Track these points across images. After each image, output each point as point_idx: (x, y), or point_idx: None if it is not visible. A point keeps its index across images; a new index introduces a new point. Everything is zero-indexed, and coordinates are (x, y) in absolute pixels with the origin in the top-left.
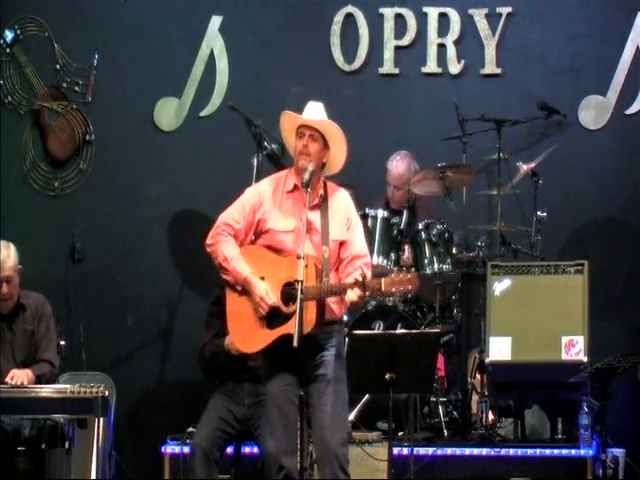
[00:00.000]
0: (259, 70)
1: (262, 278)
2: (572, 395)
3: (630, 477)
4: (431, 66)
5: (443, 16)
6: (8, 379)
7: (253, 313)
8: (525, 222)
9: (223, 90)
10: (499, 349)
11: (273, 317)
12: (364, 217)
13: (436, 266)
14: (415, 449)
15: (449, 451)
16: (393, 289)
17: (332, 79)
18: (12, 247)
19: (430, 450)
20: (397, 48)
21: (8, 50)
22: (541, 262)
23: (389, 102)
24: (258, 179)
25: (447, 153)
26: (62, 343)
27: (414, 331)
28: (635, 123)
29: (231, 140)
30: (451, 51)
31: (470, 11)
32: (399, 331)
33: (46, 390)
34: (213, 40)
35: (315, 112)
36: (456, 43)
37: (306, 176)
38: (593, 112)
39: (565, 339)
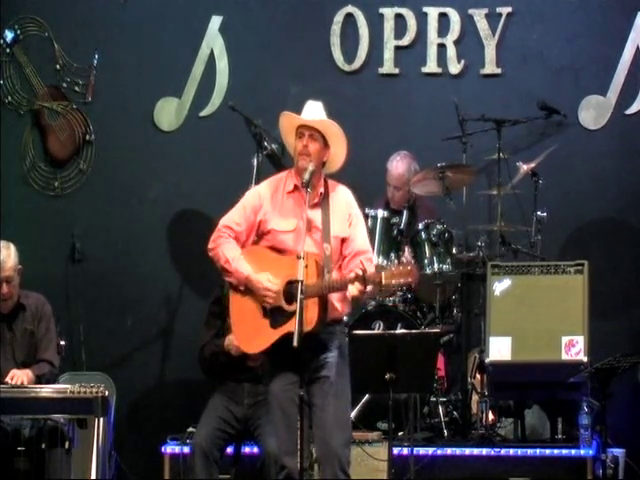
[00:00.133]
0: (259, 70)
1: None
2: (572, 395)
3: (630, 477)
4: (431, 66)
5: (443, 16)
6: (8, 379)
7: (256, 313)
8: (525, 222)
9: (223, 90)
10: (499, 349)
11: (276, 316)
12: (364, 217)
13: (436, 266)
14: (415, 449)
15: (449, 451)
16: (393, 281)
17: (332, 79)
18: (12, 247)
19: (430, 450)
20: (397, 48)
21: (8, 50)
22: (541, 262)
23: (389, 102)
24: (258, 179)
25: (447, 153)
26: (62, 343)
27: (414, 331)
28: (635, 123)
29: (231, 140)
30: (451, 51)
31: (470, 11)
32: (399, 331)
33: (46, 390)
34: (213, 40)
35: (314, 111)
36: (456, 43)
37: (306, 176)
38: (593, 112)
39: (565, 339)
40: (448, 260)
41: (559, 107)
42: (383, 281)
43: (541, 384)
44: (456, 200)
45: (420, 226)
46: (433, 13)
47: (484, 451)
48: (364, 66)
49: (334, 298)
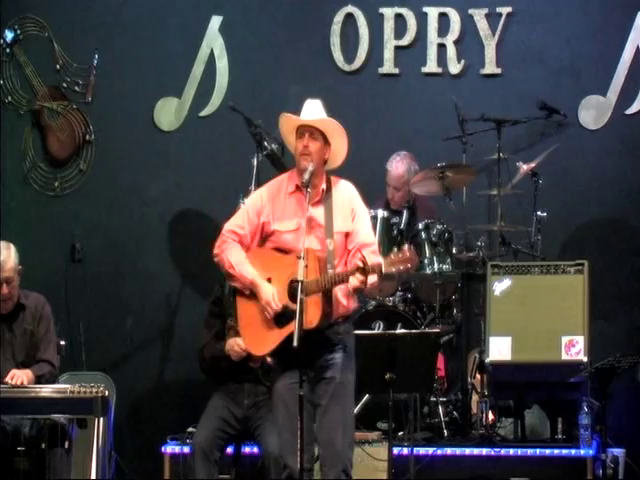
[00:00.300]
0: (259, 70)
1: (269, 279)
2: (572, 395)
3: (630, 477)
4: (431, 66)
5: (443, 16)
6: (8, 379)
7: (264, 316)
8: (525, 222)
9: (223, 90)
10: (499, 349)
11: (282, 316)
12: None
13: (436, 266)
14: (415, 449)
15: (449, 451)
16: (393, 269)
17: (332, 79)
18: (12, 247)
19: (430, 450)
20: (397, 48)
21: (8, 50)
22: (541, 262)
23: (389, 102)
24: (258, 179)
25: (447, 153)
26: (62, 343)
27: (414, 331)
28: (635, 123)
29: (231, 140)
30: (451, 51)
31: (470, 11)
32: (399, 331)
33: (46, 390)
34: (213, 40)
35: (313, 110)
36: (456, 43)
37: (306, 176)
38: (593, 112)
39: (565, 339)
40: (448, 260)
41: (559, 107)
42: (383, 269)
43: (541, 384)
44: (456, 200)
45: (420, 226)
46: (433, 13)
47: (484, 451)
48: (364, 66)
49: (339, 294)
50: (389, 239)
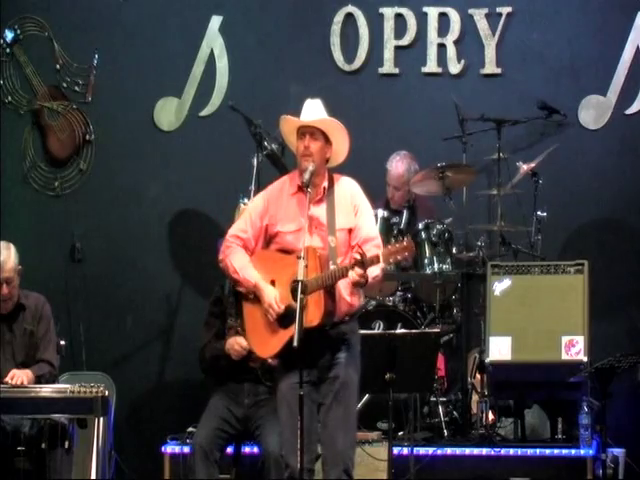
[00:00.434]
0: (259, 70)
1: (273, 281)
2: (572, 395)
3: (630, 477)
4: (431, 66)
5: (443, 16)
6: (8, 379)
7: (267, 318)
8: (525, 222)
9: (223, 90)
10: (499, 349)
11: (286, 317)
12: None
13: (436, 266)
14: (415, 449)
15: (449, 451)
16: (391, 259)
17: (332, 79)
18: (12, 248)
19: (430, 450)
20: (397, 48)
21: (8, 50)
22: (541, 262)
23: (389, 102)
24: (258, 179)
25: (447, 153)
26: (62, 343)
27: (414, 331)
28: (635, 123)
29: (231, 140)
30: (451, 51)
31: (470, 11)
32: (399, 331)
33: (46, 390)
34: (213, 40)
35: (313, 110)
36: (456, 43)
37: (306, 176)
38: (593, 112)
39: (565, 339)
40: (448, 260)
41: (559, 107)
42: (381, 260)
43: (541, 384)
44: (456, 200)
45: (420, 226)
46: (433, 13)
47: (484, 451)
48: (364, 66)
49: (343, 291)
50: (389, 239)
